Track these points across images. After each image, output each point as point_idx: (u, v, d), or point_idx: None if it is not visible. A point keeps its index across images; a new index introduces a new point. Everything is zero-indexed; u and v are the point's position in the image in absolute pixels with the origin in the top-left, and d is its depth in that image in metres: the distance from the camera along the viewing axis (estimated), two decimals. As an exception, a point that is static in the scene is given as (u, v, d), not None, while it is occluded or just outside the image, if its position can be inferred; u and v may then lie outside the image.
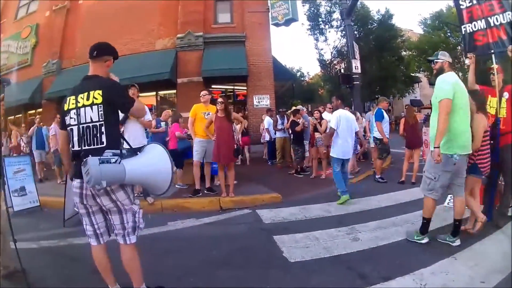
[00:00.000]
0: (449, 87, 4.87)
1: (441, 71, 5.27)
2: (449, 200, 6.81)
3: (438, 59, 5.30)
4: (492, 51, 6.09)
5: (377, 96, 30.93)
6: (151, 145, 3.64)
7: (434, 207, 5.10)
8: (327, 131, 8.75)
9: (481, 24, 6.23)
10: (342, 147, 7.96)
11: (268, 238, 5.59)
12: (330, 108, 11.11)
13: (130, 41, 18.37)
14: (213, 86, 18.55)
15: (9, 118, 22.68)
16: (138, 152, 3.51)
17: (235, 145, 8.12)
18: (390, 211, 6.67)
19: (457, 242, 4.89)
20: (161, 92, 19.82)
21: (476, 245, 4.76)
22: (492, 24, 6.04)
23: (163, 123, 9.88)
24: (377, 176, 10.11)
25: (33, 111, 22.52)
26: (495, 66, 5.75)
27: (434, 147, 4.68)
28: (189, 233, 6.19)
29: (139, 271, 3.47)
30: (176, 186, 9.20)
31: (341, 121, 7.95)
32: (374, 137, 10.03)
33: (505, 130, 5.51)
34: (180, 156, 9.36)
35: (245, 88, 19.00)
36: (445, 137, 4.74)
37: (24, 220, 7.38)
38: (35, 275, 4.24)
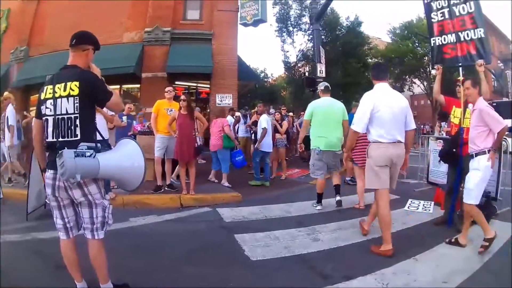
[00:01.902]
0: (308, 110, 7.59)
1: (319, 96, 7.84)
2: (409, 204, 7.28)
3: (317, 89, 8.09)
4: (460, 64, 6.31)
5: (340, 101, 31.26)
6: (125, 140, 3.60)
7: (323, 185, 7.37)
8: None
9: (451, 38, 6.42)
10: (268, 142, 10.06)
11: (229, 237, 5.66)
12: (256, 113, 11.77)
13: (99, 32, 17.65)
14: (176, 82, 18.54)
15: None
16: (112, 147, 3.50)
17: (196, 144, 8.14)
18: (350, 213, 6.82)
19: (338, 197, 7.59)
20: (125, 86, 19.58)
21: (437, 248, 4.95)
22: (462, 39, 6.25)
23: (124, 117, 9.74)
24: (347, 178, 10.14)
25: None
26: (461, 78, 5.96)
27: (299, 143, 8.31)
28: (151, 230, 6.23)
29: (105, 267, 3.45)
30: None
31: (268, 122, 10.02)
32: None
33: (467, 140, 5.61)
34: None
35: (209, 86, 18.99)
36: (312, 138, 7.43)
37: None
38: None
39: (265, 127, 9.81)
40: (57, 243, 3.48)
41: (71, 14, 17.82)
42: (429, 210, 7.11)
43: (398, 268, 4.29)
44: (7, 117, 9.39)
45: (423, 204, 7.33)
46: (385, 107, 4.93)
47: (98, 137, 3.40)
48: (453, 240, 5.07)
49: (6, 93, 10.30)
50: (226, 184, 9.41)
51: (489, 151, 4.84)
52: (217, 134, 9.67)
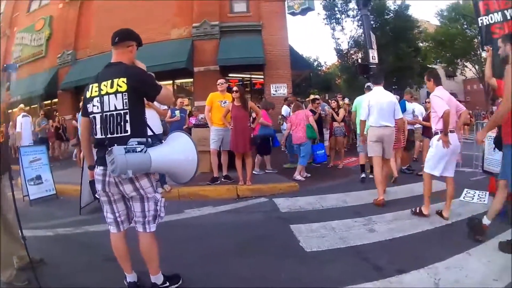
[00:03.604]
0: (354, 104, 9.48)
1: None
2: (465, 194, 7.00)
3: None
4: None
5: (394, 87, 30.62)
6: (176, 133, 3.56)
7: (363, 157, 8.98)
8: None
9: (497, 16, 6.16)
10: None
11: (284, 227, 5.61)
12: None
13: (145, 30, 17.90)
14: (230, 75, 18.58)
15: (26, 108, 23.37)
16: (163, 141, 3.50)
17: (252, 134, 8.14)
18: (407, 203, 6.60)
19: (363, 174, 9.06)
20: (178, 81, 19.87)
21: (491, 242, 4.67)
22: (508, 17, 5.95)
23: (177, 112, 9.87)
24: (403, 167, 9.95)
25: (49, 101, 23.09)
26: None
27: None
28: (206, 221, 6.26)
29: (156, 259, 3.47)
30: (266, 171, 9.52)
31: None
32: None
33: None
34: (267, 142, 9.69)
35: (262, 77, 18.92)
36: (358, 126, 8.49)
37: (40, 209, 7.53)
38: (51, 263, 4.34)
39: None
40: (108, 236, 3.53)
41: (115, 15, 18.47)
42: (484, 200, 6.73)
43: (451, 263, 4.11)
44: (16, 124, 11.79)
45: (478, 194, 6.99)
46: (376, 103, 7.04)
47: (150, 132, 3.39)
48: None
49: (21, 105, 12.80)
50: (298, 177, 9.10)
51: (440, 132, 5.59)
52: (301, 126, 9.37)
